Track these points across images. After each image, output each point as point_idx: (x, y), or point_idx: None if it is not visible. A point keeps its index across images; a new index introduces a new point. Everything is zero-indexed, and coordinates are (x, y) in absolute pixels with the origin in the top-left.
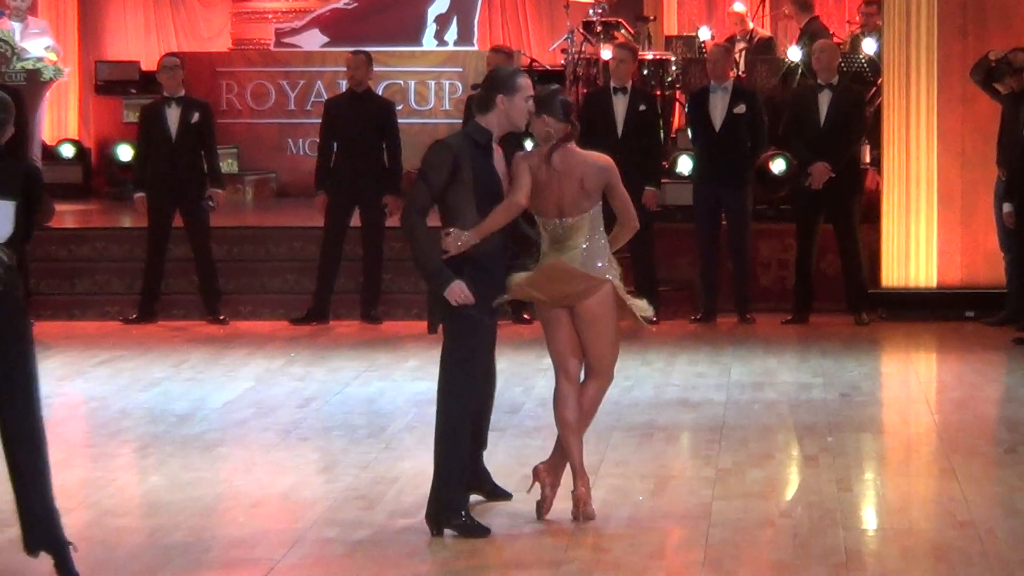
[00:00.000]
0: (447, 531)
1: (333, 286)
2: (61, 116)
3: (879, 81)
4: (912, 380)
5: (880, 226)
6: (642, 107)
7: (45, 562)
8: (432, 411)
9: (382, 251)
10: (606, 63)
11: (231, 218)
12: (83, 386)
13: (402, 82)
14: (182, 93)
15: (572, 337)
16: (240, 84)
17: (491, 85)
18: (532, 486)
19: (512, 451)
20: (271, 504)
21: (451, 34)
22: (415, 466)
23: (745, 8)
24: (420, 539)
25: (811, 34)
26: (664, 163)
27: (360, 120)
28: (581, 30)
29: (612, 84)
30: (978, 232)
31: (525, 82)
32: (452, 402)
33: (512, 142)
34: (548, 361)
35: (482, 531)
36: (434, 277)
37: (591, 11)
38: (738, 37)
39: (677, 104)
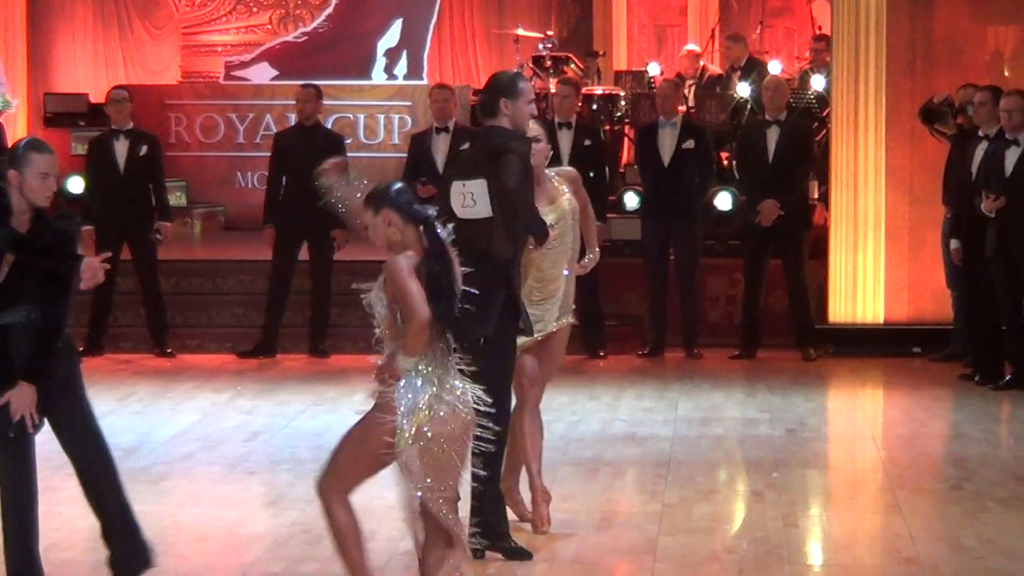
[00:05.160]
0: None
1: (281, 320)
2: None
3: (826, 114)
4: (859, 416)
5: (828, 262)
6: (587, 142)
7: None
8: None
9: (330, 285)
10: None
11: (179, 251)
12: None
13: (351, 116)
14: (130, 126)
15: None
16: (189, 117)
17: (494, 90)
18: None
19: None
20: (217, 538)
21: (400, 68)
22: (360, 500)
23: (699, 48)
24: None
25: (757, 70)
26: (611, 198)
27: (309, 154)
28: (531, 65)
29: (556, 119)
30: (925, 268)
31: (527, 86)
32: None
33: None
34: None
35: (526, 555)
36: None
37: (540, 46)
38: (687, 76)
39: (626, 139)
